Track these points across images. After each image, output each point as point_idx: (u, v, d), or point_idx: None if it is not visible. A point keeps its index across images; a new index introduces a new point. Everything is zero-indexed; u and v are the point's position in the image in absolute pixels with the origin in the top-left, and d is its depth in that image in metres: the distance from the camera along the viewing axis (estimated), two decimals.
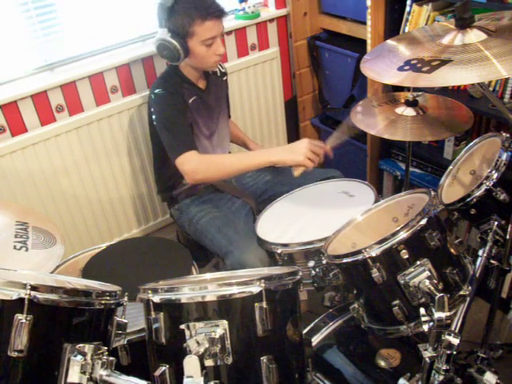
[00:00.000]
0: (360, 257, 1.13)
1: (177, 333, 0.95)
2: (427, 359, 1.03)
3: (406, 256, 1.10)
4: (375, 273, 1.11)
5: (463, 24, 1.15)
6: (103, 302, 0.97)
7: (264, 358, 0.95)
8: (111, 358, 0.93)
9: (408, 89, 1.87)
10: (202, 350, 0.89)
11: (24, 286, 0.84)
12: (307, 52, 2.64)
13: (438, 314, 0.99)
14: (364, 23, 2.12)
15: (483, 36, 1.12)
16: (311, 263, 1.33)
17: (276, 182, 1.97)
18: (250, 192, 1.98)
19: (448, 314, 0.99)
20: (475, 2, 1.66)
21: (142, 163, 2.31)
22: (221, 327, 0.93)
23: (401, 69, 1.15)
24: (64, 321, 0.90)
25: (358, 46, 2.27)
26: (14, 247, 1.26)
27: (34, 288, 0.84)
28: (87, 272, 1.46)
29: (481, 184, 1.30)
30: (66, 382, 0.87)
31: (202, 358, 0.88)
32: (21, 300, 0.83)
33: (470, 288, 1.17)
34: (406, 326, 1.15)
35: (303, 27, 2.57)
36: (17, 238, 1.30)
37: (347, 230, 1.36)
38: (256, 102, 2.59)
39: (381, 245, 1.11)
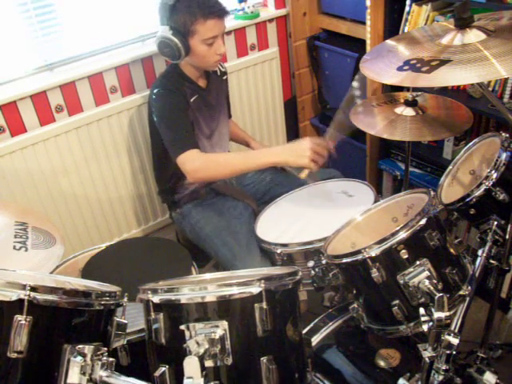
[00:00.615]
0: (359, 257, 1.13)
1: (177, 333, 0.95)
2: (427, 359, 1.03)
3: (406, 256, 1.10)
4: (375, 273, 1.11)
5: (462, 24, 1.15)
6: (103, 302, 0.96)
7: (264, 359, 0.95)
8: (111, 359, 0.92)
9: (407, 89, 1.87)
10: (201, 350, 0.89)
11: (23, 286, 0.83)
12: (307, 52, 2.64)
13: (437, 314, 0.98)
14: (363, 23, 2.12)
15: (482, 36, 1.12)
16: (311, 263, 1.33)
17: (277, 184, 1.97)
18: (251, 194, 1.98)
19: (447, 313, 0.98)
20: (474, 1, 1.66)
21: (142, 163, 2.31)
22: (221, 328, 0.93)
23: (400, 69, 1.15)
24: (64, 321, 0.90)
25: (358, 45, 2.27)
26: (14, 247, 1.26)
27: (33, 289, 0.84)
28: (87, 272, 1.45)
29: (480, 184, 1.30)
30: (66, 383, 0.87)
31: (201, 358, 0.88)
32: (20, 301, 0.82)
33: (469, 288, 1.17)
34: (405, 325, 1.15)
35: (303, 27, 2.57)
36: (16, 239, 1.30)
37: (347, 230, 1.36)
38: (255, 102, 2.59)
39: (380, 245, 1.11)
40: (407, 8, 1.99)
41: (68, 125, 2.04)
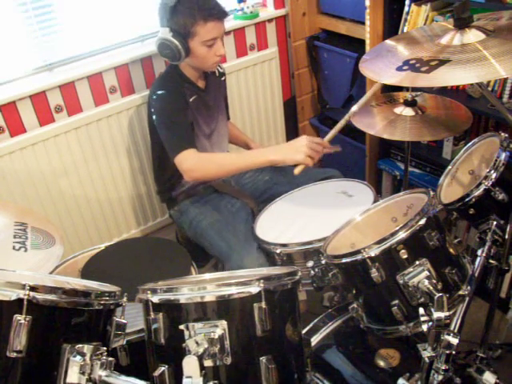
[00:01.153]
0: (359, 257, 1.13)
1: (176, 333, 0.95)
2: (426, 359, 1.03)
3: (405, 256, 1.10)
4: (374, 273, 1.11)
5: (462, 24, 1.15)
6: (102, 302, 0.96)
7: (263, 359, 0.95)
8: (110, 359, 0.92)
9: (407, 89, 1.87)
10: (201, 350, 0.89)
11: (23, 286, 0.83)
12: (306, 52, 2.64)
13: (437, 314, 0.98)
14: (363, 23, 2.12)
15: (482, 36, 1.12)
16: (310, 263, 1.32)
17: (275, 183, 1.97)
18: (250, 193, 1.98)
19: (447, 313, 0.99)
20: (474, 1, 1.66)
21: (141, 163, 2.31)
22: (220, 327, 0.93)
23: (399, 69, 1.15)
24: (63, 321, 0.89)
25: (357, 46, 2.27)
26: (13, 248, 1.26)
27: (32, 288, 0.84)
28: (86, 272, 1.45)
29: (479, 184, 1.30)
30: (65, 383, 0.87)
31: (201, 358, 0.88)
32: (20, 300, 0.82)
33: (469, 288, 1.17)
34: (405, 325, 1.15)
35: (302, 27, 2.57)
36: (16, 239, 1.30)
37: (346, 230, 1.36)
38: (255, 102, 2.59)
39: (380, 245, 1.11)
40: (406, 8, 1.99)
41: (67, 125, 2.04)
